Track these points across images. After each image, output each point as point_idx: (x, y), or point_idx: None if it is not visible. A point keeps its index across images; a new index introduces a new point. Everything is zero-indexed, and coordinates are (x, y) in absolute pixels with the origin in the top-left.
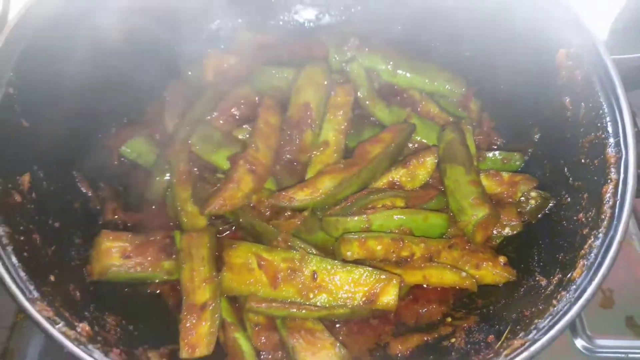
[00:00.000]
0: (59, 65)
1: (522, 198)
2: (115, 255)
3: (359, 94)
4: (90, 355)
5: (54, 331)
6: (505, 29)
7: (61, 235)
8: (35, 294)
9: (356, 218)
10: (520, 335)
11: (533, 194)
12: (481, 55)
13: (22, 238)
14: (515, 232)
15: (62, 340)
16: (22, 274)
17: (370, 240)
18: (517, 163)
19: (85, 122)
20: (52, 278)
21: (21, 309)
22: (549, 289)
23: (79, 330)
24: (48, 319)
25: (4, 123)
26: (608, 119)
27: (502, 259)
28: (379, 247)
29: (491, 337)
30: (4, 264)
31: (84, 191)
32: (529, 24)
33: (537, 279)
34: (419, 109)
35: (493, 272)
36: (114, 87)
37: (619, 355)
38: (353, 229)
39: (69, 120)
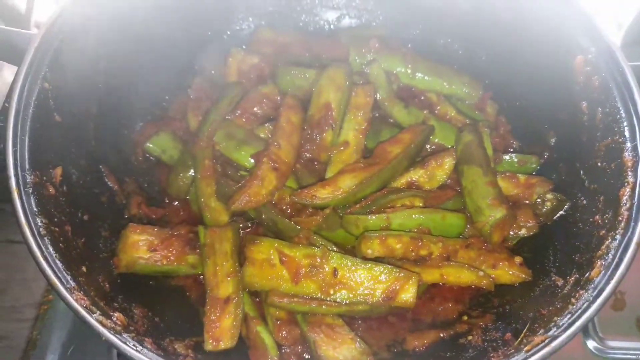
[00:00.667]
0: (90, 64)
1: (538, 200)
2: (143, 248)
3: (378, 95)
4: (126, 344)
5: (92, 320)
6: (523, 34)
7: (90, 227)
8: (72, 284)
9: (376, 217)
10: (540, 332)
11: (549, 196)
12: (498, 60)
13: (56, 229)
14: (531, 233)
15: (100, 329)
16: (59, 264)
17: (390, 238)
18: (533, 166)
19: (112, 118)
20: (84, 269)
21: (61, 298)
22: (566, 288)
23: (114, 319)
24: (85, 308)
25: (39, 117)
26: (625, 123)
27: (517, 259)
28: (398, 246)
29: (508, 335)
30: (42, 254)
31: (111, 185)
32: (546, 30)
33: (553, 279)
34: (436, 111)
35: (509, 271)
36: (140, 85)
37: (630, 356)
38: (373, 227)
39: (98, 117)
